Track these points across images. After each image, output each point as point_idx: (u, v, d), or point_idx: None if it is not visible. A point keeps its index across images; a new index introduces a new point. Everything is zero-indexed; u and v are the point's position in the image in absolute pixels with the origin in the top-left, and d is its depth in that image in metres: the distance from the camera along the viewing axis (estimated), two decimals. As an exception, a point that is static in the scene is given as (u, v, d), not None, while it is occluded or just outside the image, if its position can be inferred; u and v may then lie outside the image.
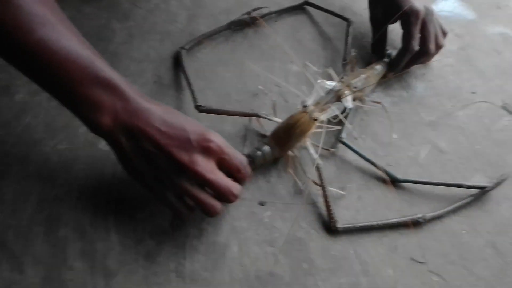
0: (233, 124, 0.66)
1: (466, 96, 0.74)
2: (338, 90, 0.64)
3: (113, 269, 0.50)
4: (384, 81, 0.73)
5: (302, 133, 0.58)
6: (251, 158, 0.57)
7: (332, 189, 0.58)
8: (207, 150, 0.49)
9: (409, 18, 0.68)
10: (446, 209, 0.58)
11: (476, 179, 0.62)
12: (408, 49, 0.69)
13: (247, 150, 0.60)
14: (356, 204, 0.58)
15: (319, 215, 0.57)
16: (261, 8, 0.81)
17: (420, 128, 0.68)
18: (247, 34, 0.80)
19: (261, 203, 0.58)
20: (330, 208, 0.55)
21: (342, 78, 0.67)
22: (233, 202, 0.52)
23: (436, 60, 0.75)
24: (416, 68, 0.76)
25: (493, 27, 0.87)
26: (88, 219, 0.54)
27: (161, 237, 0.53)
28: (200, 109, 0.63)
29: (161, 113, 0.49)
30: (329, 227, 0.55)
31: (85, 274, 0.50)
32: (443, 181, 0.60)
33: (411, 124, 0.69)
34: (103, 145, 0.60)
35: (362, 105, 0.68)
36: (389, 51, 0.75)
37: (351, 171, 0.62)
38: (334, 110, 0.59)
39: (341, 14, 0.82)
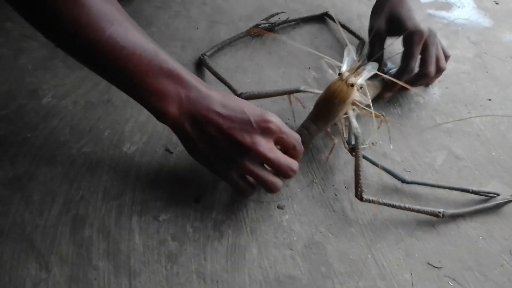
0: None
1: (482, 103, 0.74)
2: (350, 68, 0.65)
3: (136, 269, 0.52)
4: (379, 99, 0.72)
5: (342, 101, 0.58)
6: None
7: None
8: (266, 130, 0.52)
9: (412, 37, 0.67)
10: (467, 209, 0.59)
11: (492, 185, 0.63)
12: (406, 69, 0.68)
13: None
14: (373, 208, 0.59)
15: (338, 219, 0.58)
16: (279, 13, 0.82)
17: (437, 135, 0.69)
18: (266, 41, 0.81)
19: (280, 207, 0.59)
20: (360, 177, 0.56)
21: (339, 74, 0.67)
22: (292, 177, 0.55)
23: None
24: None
25: (509, 34, 0.87)
26: (113, 220, 0.55)
27: (183, 239, 0.55)
28: (243, 96, 0.65)
29: (221, 99, 0.52)
30: (355, 195, 0.57)
31: (109, 273, 0.51)
32: (449, 185, 0.61)
33: (427, 131, 0.69)
34: (127, 148, 0.62)
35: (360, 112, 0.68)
36: (389, 67, 0.74)
37: (368, 176, 0.62)
38: (369, 71, 0.58)
39: (359, 21, 0.83)
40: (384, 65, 0.74)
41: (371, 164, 0.61)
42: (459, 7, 0.94)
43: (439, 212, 0.57)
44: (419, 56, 0.69)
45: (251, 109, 0.52)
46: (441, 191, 0.61)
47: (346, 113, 0.61)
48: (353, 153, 0.58)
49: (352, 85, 0.58)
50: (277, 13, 0.82)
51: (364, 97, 0.60)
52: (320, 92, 0.62)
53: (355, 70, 0.59)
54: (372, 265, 0.54)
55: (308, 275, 0.53)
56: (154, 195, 0.58)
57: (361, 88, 0.64)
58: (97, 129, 0.64)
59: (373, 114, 0.59)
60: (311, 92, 0.65)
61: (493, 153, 0.67)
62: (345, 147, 0.61)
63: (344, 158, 0.64)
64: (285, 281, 0.52)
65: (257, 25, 0.80)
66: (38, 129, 0.63)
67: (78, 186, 0.58)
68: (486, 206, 0.60)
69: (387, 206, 0.57)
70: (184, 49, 0.77)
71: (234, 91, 0.68)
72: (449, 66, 0.74)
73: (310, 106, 0.63)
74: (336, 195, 0.60)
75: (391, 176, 0.61)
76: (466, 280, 0.53)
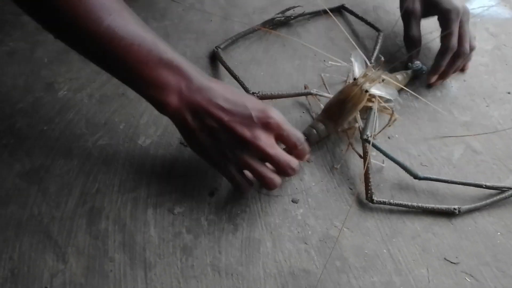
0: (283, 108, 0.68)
1: (501, 96, 0.73)
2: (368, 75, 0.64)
3: (151, 261, 0.52)
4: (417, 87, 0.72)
5: (355, 106, 0.58)
6: (306, 137, 0.58)
7: (373, 161, 0.60)
8: (267, 125, 0.51)
9: (449, 15, 0.67)
10: (483, 202, 0.58)
11: (511, 180, 0.62)
12: (449, 46, 0.68)
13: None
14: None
15: (353, 213, 0.57)
16: (295, 7, 0.81)
17: (454, 128, 0.68)
18: (280, 33, 0.80)
19: (294, 201, 0.59)
20: (369, 181, 0.57)
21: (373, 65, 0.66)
22: (291, 176, 0.54)
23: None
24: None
25: (530, 26, 0.85)
26: (128, 213, 0.56)
27: (198, 232, 0.55)
28: (256, 96, 0.65)
29: (223, 91, 0.51)
30: (366, 198, 0.57)
31: (125, 265, 0.52)
32: (462, 180, 0.60)
33: (445, 124, 0.68)
34: (142, 141, 0.62)
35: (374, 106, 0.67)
36: (416, 64, 0.73)
37: (384, 171, 0.62)
38: (385, 80, 0.58)
39: (375, 13, 0.82)
40: (412, 63, 0.73)
41: (387, 159, 0.61)
42: (477, -2, 0.92)
43: (455, 209, 0.56)
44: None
45: (253, 103, 0.52)
46: (458, 185, 0.60)
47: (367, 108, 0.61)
48: (365, 148, 0.58)
49: (366, 91, 0.57)
50: (293, 7, 0.81)
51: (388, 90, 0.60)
52: (330, 96, 0.62)
53: (370, 76, 0.58)
54: (387, 260, 0.53)
55: (323, 269, 0.52)
56: (169, 188, 0.58)
57: (383, 80, 0.63)
58: (112, 122, 0.64)
59: (391, 112, 0.59)
60: (321, 96, 0.64)
61: (512, 147, 0.66)
62: (361, 137, 0.60)
63: (359, 151, 0.64)
64: (299, 275, 0.52)
65: (272, 19, 0.80)
66: (54, 122, 0.64)
67: (94, 179, 0.58)
68: (503, 196, 0.59)
69: (399, 207, 0.57)
70: (198, 42, 0.77)
71: (246, 90, 0.67)
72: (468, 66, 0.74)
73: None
74: (351, 189, 0.60)
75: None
76: (483, 276, 0.53)
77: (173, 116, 0.52)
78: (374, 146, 0.62)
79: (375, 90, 0.59)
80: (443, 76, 0.72)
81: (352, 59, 0.63)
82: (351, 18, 0.84)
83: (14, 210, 0.55)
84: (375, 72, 0.59)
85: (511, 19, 0.86)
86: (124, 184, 0.58)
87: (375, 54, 0.75)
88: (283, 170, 0.53)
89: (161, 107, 0.51)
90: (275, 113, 0.52)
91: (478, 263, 0.54)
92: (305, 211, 0.57)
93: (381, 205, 0.58)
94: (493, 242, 0.56)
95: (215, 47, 0.75)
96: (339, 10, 0.86)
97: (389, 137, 0.66)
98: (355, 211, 0.58)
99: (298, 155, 0.55)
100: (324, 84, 0.68)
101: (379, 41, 0.77)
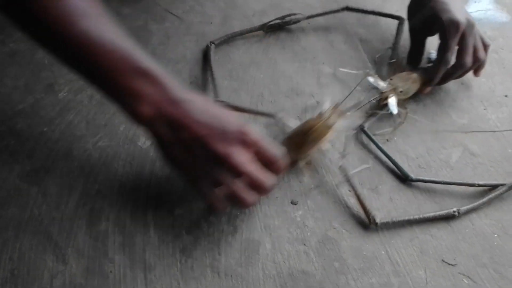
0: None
1: (498, 99, 0.74)
2: (384, 92, 0.64)
3: (151, 262, 0.52)
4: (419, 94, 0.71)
5: (317, 139, 0.57)
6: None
7: (356, 170, 0.59)
8: (243, 142, 0.50)
9: (448, 29, 0.65)
10: (481, 201, 0.59)
11: (508, 182, 0.62)
12: (442, 61, 0.66)
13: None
14: (388, 205, 0.59)
15: (351, 215, 0.58)
16: (295, 14, 0.81)
17: (452, 131, 0.68)
18: (280, 36, 0.81)
19: (293, 202, 0.59)
20: (365, 205, 0.56)
21: (391, 79, 0.67)
22: (266, 194, 0.53)
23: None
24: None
25: (527, 30, 0.86)
26: (128, 214, 0.56)
27: (198, 233, 0.55)
28: (220, 104, 0.64)
29: (200, 104, 0.49)
30: (368, 223, 0.56)
31: (124, 266, 0.52)
32: (456, 181, 0.61)
33: (442, 127, 0.69)
34: (142, 142, 0.63)
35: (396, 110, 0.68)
36: (432, 57, 0.73)
37: (383, 173, 0.62)
38: (350, 120, 0.57)
39: (374, 16, 0.82)
40: (429, 56, 0.74)
41: (385, 158, 0.61)
42: (475, 1, 0.93)
43: (454, 211, 0.57)
44: (456, 47, 0.67)
45: (230, 119, 0.50)
46: (456, 186, 0.61)
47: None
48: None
49: (331, 126, 0.56)
50: (293, 14, 0.81)
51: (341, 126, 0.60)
52: (292, 125, 0.61)
53: (336, 112, 0.57)
54: (386, 262, 0.54)
55: (321, 270, 0.53)
56: (169, 189, 0.58)
57: (401, 92, 0.64)
58: (112, 124, 0.65)
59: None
60: (283, 123, 0.63)
61: (509, 150, 0.66)
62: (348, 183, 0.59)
63: (358, 154, 0.64)
64: (298, 276, 0.52)
65: (270, 24, 0.80)
66: (54, 123, 0.64)
67: (94, 180, 0.58)
68: (498, 193, 0.60)
69: (403, 224, 0.57)
70: (198, 44, 0.77)
71: (216, 95, 0.67)
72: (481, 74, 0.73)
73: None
74: (350, 191, 0.60)
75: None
76: (480, 277, 0.53)
77: (147, 127, 0.50)
78: (369, 136, 0.63)
79: (340, 126, 0.58)
80: (440, 83, 0.72)
81: (324, 99, 0.62)
82: (351, 20, 0.85)
83: (14, 211, 0.55)
84: (342, 110, 0.58)
85: (509, 23, 0.87)
86: (124, 186, 0.58)
87: (398, 45, 0.75)
88: (258, 189, 0.51)
89: (135, 117, 0.49)
90: (252, 130, 0.51)
91: (476, 265, 0.54)
92: (304, 212, 0.58)
93: (380, 205, 0.58)
94: (490, 244, 0.56)
95: (210, 42, 0.75)
96: (342, 11, 0.84)
97: (387, 140, 0.66)
98: (353, 212, 0.58)
99: (275, 171, 0.53)
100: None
101: (401, 29, 0.77)
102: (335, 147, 0.62)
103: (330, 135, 0.58)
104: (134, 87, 0.47)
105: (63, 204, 0.56)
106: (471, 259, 0.55)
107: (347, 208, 0.58)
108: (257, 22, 0.81)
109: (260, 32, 0.80)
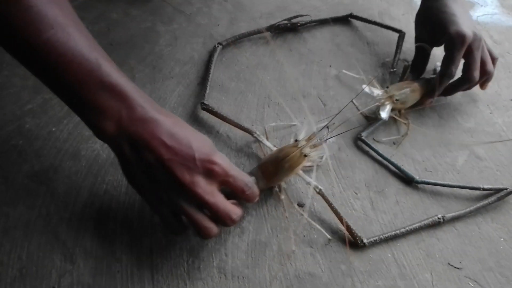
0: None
1: (504, 103, 0.74)
2: (380, 99, 0.65)
3: (158, 262, 0.52)
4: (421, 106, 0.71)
5: (291, 168, 0.55)
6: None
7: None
8: (210, 171, 0.47)
9: (453, 42, 0.64)
10: (468, 209, 0.59)
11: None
12: (445, 74, 0.66)
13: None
14: (394, 208, 0.59)
15: (358, 218, 0.58)
16: (302, 15, 0.82)
17: (458, 135, 0.69)
18: (287, 38, 0.81)
19: (300, 204, 0.59)
20: (350, 227, 0.55)
21: (387, 87, 0.67)
22: (230, 227, 0.52)
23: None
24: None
25: (533, 34, 0.86)
26: (136, 214, 0.56)
27: (205, 234, 0.55)
28: (203, 106, 0.64)
29: (169, 126, 0.47)
30: (356, 244, 0.55)
31: (132, 266, 0.52)
32: (461, 184, 0.61)
33: (449, 130, 0.69)
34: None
35: (396, 117, 0.68)
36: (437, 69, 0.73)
37: (389, 176, 0.62)
38: (325, 149, 0.56)
39: (380, 19, 0.82)
40: (436, 67, 0.74)
41: (391, 165, 0.62)
42: (482, 5, 0.93)
43: (439, 218, 0.57)
44: (461, 61, 0.66)
45: (200, 145, 0.47)
46: (463, 190, 0.61)
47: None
48: (327, 200, 0.57)
49: (306, 155, 0.55)
50: (300, 15, 0.82)
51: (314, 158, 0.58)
52: (270, 145, 0.61)
53: (313, 141, 0.56)
54: (392, 265, 0.54)
55: (328, 272, 0.53)
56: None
57: (397, 100, 0.64)
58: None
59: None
60: (261, 143, 0.62)
61: (516, 154, 0.66)
62: (295, 206, 0.59)
63: (364, 157, 0.64)
64: (305, 278, 0.52)
65: (278, 25, 0.80)
66: (62, 123, 0.64)
67: (102, 180, 0.59)
68: (495, 198, 0.60)
69: (390, 239, 0.56)
70: (206, 46, 0.78)
71: (203, 96, 0.66)
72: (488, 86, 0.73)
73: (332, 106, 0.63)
74: (356, 193, 0.60)
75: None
76: (487, 281, 0.53)
77: (110, 143, 0.48)
78: (367, 145, 0.64)
79: (315, 155, 0.57)
80: (446, 95, 0.71)
81: (305, 122, 0.60)
82: (358, 24, 0.85)
83: (22, 210, 0.55)
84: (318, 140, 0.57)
85: (515, 27, 0.87)
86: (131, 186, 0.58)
87: (397, 57, 0.76)
88: (222, 220, 0.49)
89: (97, 132, 0.47)
90: (221, 159, 0.48)
91: (482, 269, 0.54)
92: (311, 215, 0.58)
93: (387, 208, 0.59)
94: (496, 248, 0.56)
95: (217, 43, 0.75)
96: (346, 19, 0.86)
97: (394, 143, 0.66)
98: (359, 215, 0.58)
99: (246, 199, 0.52)
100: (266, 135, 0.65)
101: (401, 42, 0.77)
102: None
103: (303, 164, 0.56)
104: (98, 102, 0.45)
105: (71, 204, 0.56)
106: (477, 262, 0.55)
107: (353, 210, 0.59)
108: (264, 24, 0.81)
109: (267, 34, 0.81)
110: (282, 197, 0.59)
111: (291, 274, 0.53)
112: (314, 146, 0.56)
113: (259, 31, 0.80)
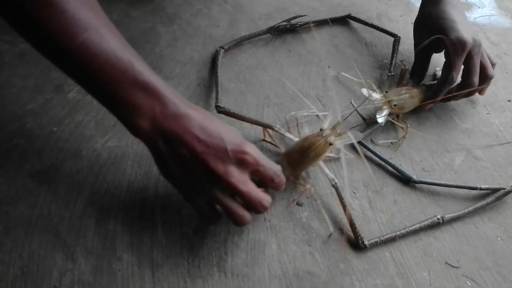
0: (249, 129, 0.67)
1: (501, 104, 0.74)
2: (378, 103, 0.65)
3: (159, 261, 0.53)
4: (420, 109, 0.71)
5: (316, 156, 0.57)
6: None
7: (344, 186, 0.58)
8: (242, 161, 0.49)
9: (454, 48, 0.65)
10: (467, 210, 0.59)
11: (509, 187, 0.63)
12: (446, 80, 0.66)
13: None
14: (392, 207, 0.60)
15: (356, 217, 0.58)
16: (301, 16, 0.82)
17: (455, 135, 0.69)
18: (286, 39, 0.82)
19: (299, 204, 0.60)
20: (355, 227, 0.55)
21: (386, 92, 0.67)
22: (262, 213, 0.53)
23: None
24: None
25: (530, 36, 0.87)
26: (136, 213, 0.57)
27: (205, 233, 0.56)
28: (219, 109, 0.65)
29: (200, 120, 0.49)
30: (357, 245, 0.56)
31: (132, 265, 0.52)
32: (458, 184, 0.62)
33: (446, 131, 0.70)
34: (150, 143, 0.63)
35: (394, 121, 0.69)
36: (438, 74, 0.74)
37: (387, 176, 0.63)
38: (350, 138, 0.56)
39: (379, 20, 0.83)
40: (436, 72, 0.75)
41: (389, 166, 0.62)
42: (479, 7, 0.94)
43: (439, 219, 0.57)
44: (462, 67, 0.67)
45: (230, 137, 0.49)
46: (460, 189, 0.62)
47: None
48: (340, 195, 0.57)
49: (331, 144, 0.56)
50: (300, 16, 0.82)
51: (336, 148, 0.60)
52: (291, 137, 0.62)
53: (337, 130, 0.57)
54: (390, 263, 0.54)
55: (326, 271, 0.53)
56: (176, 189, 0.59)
57: (395, 105, 0.64)
58: (121, 124, 0.64)
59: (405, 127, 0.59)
60: (282, 134, 0.63)
61: (513, 154, 0.67)
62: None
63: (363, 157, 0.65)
64: (304, 276, 0.53)
65: (278, 26, 0.81)
66: (63, 123, 0.65)
67: (103, 180, 0.59)
68: (493, 198, 0.60)
69: (389, 241, 0.56)
70: (206, 46, 0.78)
71: (216, 100, 0.67)
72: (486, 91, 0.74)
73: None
74: (355, 193, 0.61)
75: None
76: (484, 280, 0.54)
77: (145, 140, 0.50)
78: (365, 147, 0.64)
79: (340, 144, 0.58)
80: (446, 101, 0.71)
81: (330, 111, 0.61)
82: (356, 25, 0.86)
83: (24, 209, 0.56)
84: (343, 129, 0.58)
85: (512, 29, 0.88)
86: (132, 185, 0.59)
87: (393, 61, 0.76)
88: (254, 208, 0.51)
89: (133, 129, 0.49)
90: (252, 149, 0.50)
91: (479, 268, 0.55)
92: (310, 214, 0.59)
93: (385, 208, 0.59)
94: (493, 247, 0.57)
95: (219, 47, 0.76)
96: (344, 19, 0.87)
97: (392, 143, 0.67)
98: (358, 214, 0.59)
99: (274, 188, 0.53)
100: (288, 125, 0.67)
101: (396, 46, 0.78)
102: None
103: (329, 153, 0.58)
104: (133, 100, 0.47)
105: (72, 203, 0.57)
106: (475, 261, 0.55)
107: (352, 210, 0.59)
108: (263, 26, 0.82)
109: (267, 35, 0.81)
110: (308, 186, 0.60)
111: (290, 273, 0.53)
112: (339, 134, 0.57)
113: (259, 33, 0.80)
